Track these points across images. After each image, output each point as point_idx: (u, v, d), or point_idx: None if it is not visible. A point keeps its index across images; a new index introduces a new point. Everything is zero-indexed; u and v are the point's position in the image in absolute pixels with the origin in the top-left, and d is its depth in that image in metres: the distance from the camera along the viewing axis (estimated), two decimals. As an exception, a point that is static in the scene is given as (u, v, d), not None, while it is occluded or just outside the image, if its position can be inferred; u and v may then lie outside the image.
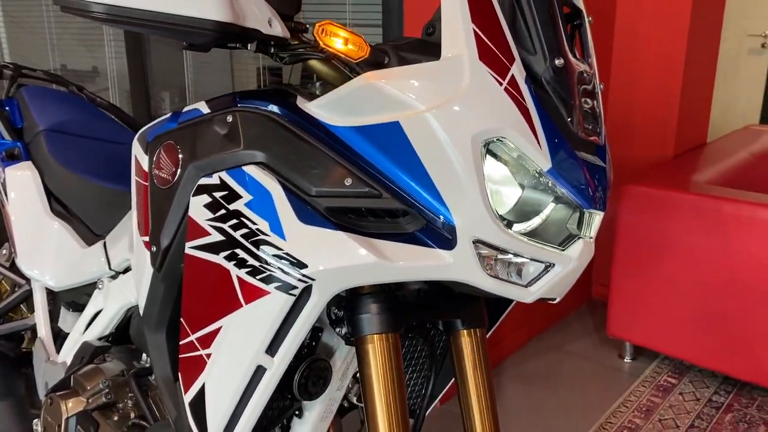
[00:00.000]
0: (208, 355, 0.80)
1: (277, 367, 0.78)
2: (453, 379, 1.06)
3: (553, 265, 0.76)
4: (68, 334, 1.34)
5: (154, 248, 0.87)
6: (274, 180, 0.75)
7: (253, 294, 0.75)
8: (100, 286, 1.27)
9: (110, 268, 1.22)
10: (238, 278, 0.76)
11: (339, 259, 0.71)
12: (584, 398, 2.16)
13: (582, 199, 0.75)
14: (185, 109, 0.88)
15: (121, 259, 1.19)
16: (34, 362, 1.35)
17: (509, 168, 0.74)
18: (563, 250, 0.76)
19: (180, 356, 0.83)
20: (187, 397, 0.83)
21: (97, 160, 1.52)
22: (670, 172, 2.34)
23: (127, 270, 1.22)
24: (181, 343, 0.83)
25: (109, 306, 1.22)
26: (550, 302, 0.82)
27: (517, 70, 0.72)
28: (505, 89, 0.71)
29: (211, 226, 0.78)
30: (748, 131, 3.06)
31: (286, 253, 0.73)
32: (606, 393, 2.19)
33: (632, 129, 2.65)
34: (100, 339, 1.23)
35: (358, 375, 1.04)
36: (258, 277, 0.74)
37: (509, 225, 0.74)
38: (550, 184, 0.73)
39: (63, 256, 1.35)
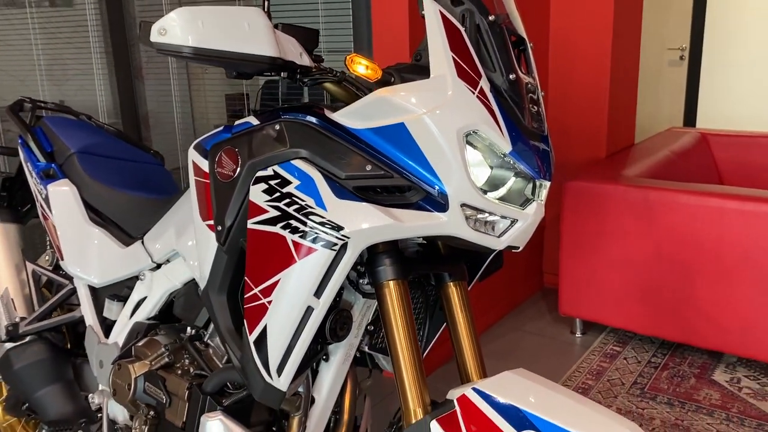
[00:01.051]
0: (269, 302, 1.07)
1: (321, 307, 1.05)
2: (444, 325, 1.36)
3: (516, 220, 1.07)
4: (112, 321, 1.58)
5: (219, 228, 1.13)
6: (315, 169, 1.03)
7: (304, 252, 1.03)
8: (141, 277, 1.52)
9: (153, 261, 1.47)
10: (293, 241, 1.03)
11: (366, 222, 1.00)
12: (543, 368, 2.48)
13: (534, 172, 1.05)
14: (236, 123, 1.15)
15: (163, 252, 1.44)
16: (86, 346, 1.58)
17: (482, 154, 1.04)
18: (523, 209, 1.06)
19: (245, 306, 1.10)
20: (252, 337, 1.09)
21: (124, 175, 1.77)
22: (604, 168, 2.70)
23: (167, 261, 1.47)
24: (246, 296, 1.10)
25: (154, 292, 1.47)
26: (514, 251, 1.12)
27: (484, 83, 1.02)
28: (477, 97, 1.01)
29: (269, 205, 1.05)
30: (671, 133, 3.47)
31: (328, 220, 1.01)
32: (561, 363, 2.51)
33: (569, 134, 3.02)
34: (147, 320, 1.48)
35: (369, 327, 1.32)
36: (308, 239, 1.02)
37: (485, 193, 1.04)
38: (511, 163, 1.04)
39: (104, 257, 1.59)
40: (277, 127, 1.08)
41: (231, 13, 1.00)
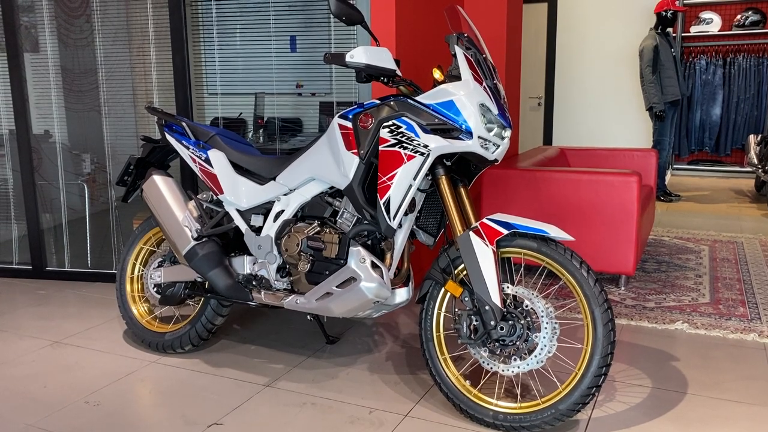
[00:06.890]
0: (391, 184, 2.15)
1: (415, 185, 2.15)
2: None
3: (499, 146, 2.23)
4: (257, 227, 2.56)
5: (361, 152, 2.21)
6: (412, 120, 2.15)
7: (409, 158, 2.13)
8: (277, 200, 2.53)
9: (289, 189, 2.48)
10: (405, 153, 2.13)
11: (438, 143, 2.12)
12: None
13: (506, 123, 2.22)
14: (365, 102, 2.25)
15: (299, 181, 2.44)
16: (246, 241, 2.52)
17: (485, 114, 2.19)
18: (502, 141, 2.23)
19: (379, 187, 2.15)
20: (382, 202, 2.16)
21: (244, 147, 2.77)
22: (505, 163, 3.97)
23: (295, 189, 2.49)
24: (378, 182, 2.16)
25: (291, 205, 2.47)
26: (495, 165, 2.29)
27: (485, 84, 2.19)
28: (483, 89, 2.18)
29: (390, 137, 2.14)
30: (541, 148, 4.85)
31: (421, 143, 2.12)
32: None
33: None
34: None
35: (418, 215, 2.42)
36: (411, 152, 2.12)
37: (488, 132, 2.19)
38: (496, 119, 2.20)
39: (249, 192, 2.58)
40: (392, 103, 2.19)
41: (378, 49, 2.12)
